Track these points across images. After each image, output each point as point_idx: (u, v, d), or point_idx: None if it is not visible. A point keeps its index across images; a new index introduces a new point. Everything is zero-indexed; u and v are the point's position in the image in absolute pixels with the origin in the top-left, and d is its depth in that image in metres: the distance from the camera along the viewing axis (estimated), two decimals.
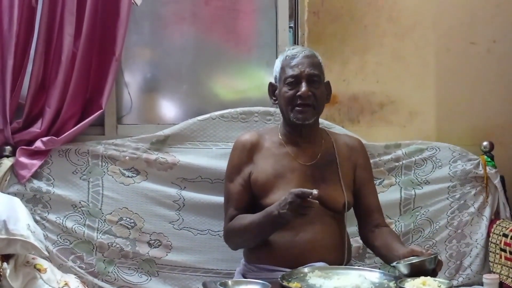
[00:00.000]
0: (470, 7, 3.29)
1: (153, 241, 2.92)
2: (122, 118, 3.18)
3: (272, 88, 2.72)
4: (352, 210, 2.72)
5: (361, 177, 2.72)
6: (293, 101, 2.59)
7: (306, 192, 2.31)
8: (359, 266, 2.79)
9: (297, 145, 2.67)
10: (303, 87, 2.57)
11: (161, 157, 2.94)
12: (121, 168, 2.93)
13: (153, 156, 2.94)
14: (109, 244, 2.88)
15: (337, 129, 3.01)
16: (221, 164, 2.88)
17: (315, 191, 2.30)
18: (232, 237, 2.64)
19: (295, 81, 2.59)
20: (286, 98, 2.61)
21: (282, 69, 2.65)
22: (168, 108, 3.32)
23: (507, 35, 3.31)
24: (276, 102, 2.70)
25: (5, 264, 2.39)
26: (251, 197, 2.64)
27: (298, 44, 3.20)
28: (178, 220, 2.93)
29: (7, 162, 2.81)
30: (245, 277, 2.60)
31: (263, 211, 2.51)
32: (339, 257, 2.57)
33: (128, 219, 2.91)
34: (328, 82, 2.71)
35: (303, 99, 2.57)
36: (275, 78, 2.70)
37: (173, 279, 2.92)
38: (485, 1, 3.30)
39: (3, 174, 2.79)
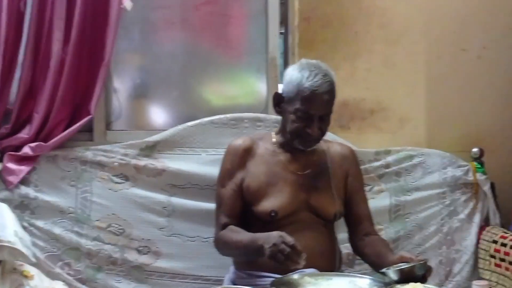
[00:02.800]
0: (460, 14, 3.29)
1: (142, 248, 2.90)
2: (111, 124, 3.16)
3: (278, 99, 2.60)
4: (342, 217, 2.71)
5: (352, 186, 2.70)
6: (300, 133, 2.53)
7: (295, 246, 2.18)
8: (349, 273, 2.78)
9: (291, 153, 2.64)
10: (314, 127, 2.51)
11: (150, 163, 2.93)
12: (110, 174, 2.92)
13: (142, 162, 2.93)
14: (98, 250, 2.87)
15: (327, 135, 2.99)
16: (211, 170, 2.87)
17: (303, 257, 2.18)
18: (221, 248, 2.61)
19: (307, 117, 2.50)
20: (294, 128, 2.53)
21: (297, 94, 2.50)
22: (158, 114, 3.30)
23: (497, 41, 3.31)
24: (280, 112, 2.62)
25: None
26: (243, 203, 2.61)
27: (289, 50, 3.19)
28: (167, 226, 2.92)
29: None
30: (234, 284, 2.58)
31: (251, 236, 2.42)
32: (329, 263, 2.56)
33: (116, 226, 2.89)
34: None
35: (311, 136, 2.53)
36: (284, 92, 2.57)
37: (162, 286, 2.90)
38: (476, 7, 3.30)
39: None
